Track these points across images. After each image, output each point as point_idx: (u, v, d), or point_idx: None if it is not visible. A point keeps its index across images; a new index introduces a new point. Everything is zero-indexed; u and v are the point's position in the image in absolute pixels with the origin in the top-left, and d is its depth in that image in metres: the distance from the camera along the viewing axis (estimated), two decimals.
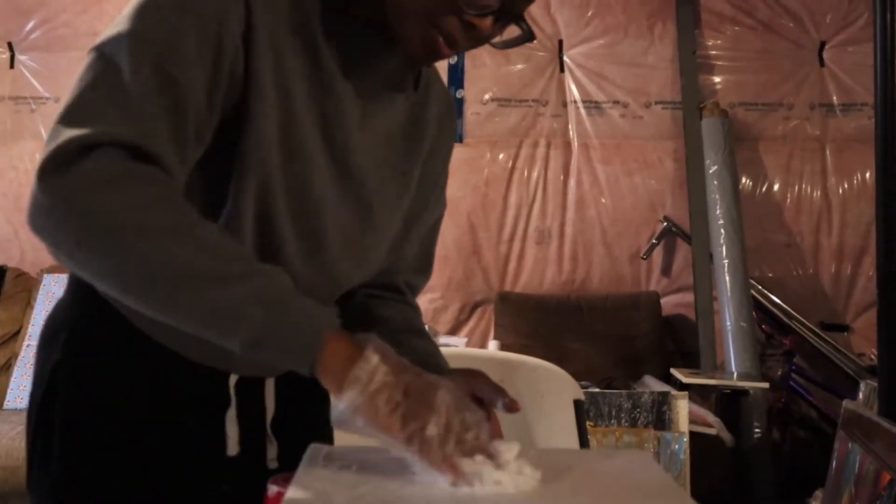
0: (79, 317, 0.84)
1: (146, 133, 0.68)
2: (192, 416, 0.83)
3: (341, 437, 1.01)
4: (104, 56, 0.69)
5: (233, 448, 0.85)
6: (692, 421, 2.51)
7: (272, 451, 0.89)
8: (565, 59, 3.54)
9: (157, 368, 0.82)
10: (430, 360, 0.91)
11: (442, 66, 3.51)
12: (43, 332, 0.88)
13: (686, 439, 2.43)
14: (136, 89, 0.68)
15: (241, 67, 0.74)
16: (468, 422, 0.67)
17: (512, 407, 0.81)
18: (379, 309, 0.96)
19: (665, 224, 3.42)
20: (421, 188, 0.94)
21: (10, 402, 2.76)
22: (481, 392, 0.83)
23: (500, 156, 3.52)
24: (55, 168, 0.65)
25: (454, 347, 3.02)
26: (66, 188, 0.65)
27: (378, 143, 0.86)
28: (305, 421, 0.92)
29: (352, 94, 0.82)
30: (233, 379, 0.85)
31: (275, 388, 0.90)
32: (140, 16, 0.70)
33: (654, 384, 2.88)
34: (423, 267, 1.01)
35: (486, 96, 3.53)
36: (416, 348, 0.92)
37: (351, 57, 0.82)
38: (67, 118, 0.67)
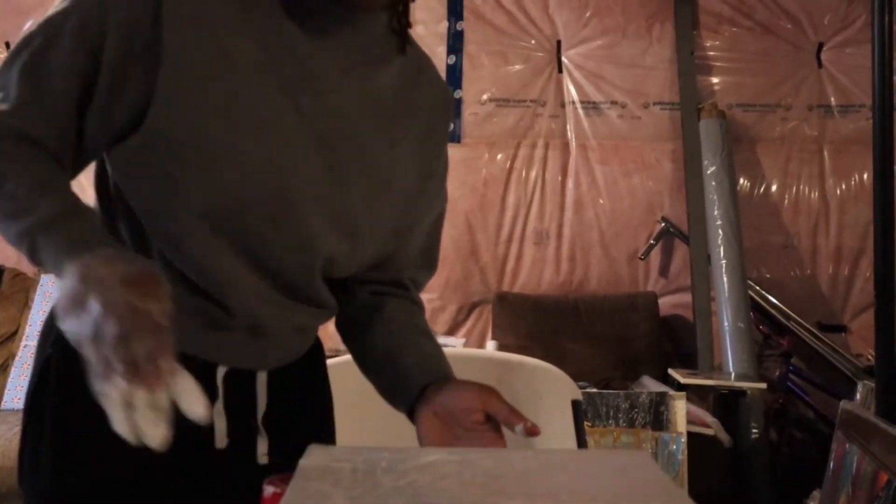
0: None
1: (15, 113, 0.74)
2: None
3: (341, 437, 1.01)
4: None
5: (221, 441, 0.85)
6: (690, 421, 2.51)
7: (263, 446, 0.88)
8: (563, 59, 3.54)
9: None
10: (432, 361, 0.91)
11: (441, 67, 3.52)
12: (42, 328, 0.89)
13: (684, 440, 2.44)
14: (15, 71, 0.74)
15: (145, 47, 0.74)
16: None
17: (533, 431, 0.79)
18: (384, 306, 0.95)
19: (663, 225, 3.43)
20: (421, 176, 0.92)
21: (7, 403, 2.76)
22: (495, 411, 0.81)
23: (499, 156, 3.52)
24: None
25: (452, 348, 3.03)
26: None
27: (360, 110, 0.84)
28: (299, 417, 0.92)
29: (324, 61, 0.81)
30: (221, 371, 0.85)
31: (268, 383, 0.89)
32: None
33: (651, 385, 2.88)
34: (428, 263, 1.00)
35: (485, 97, 3.53)
36: (420, 348, 0.92)
37: (316, 24, 0.80)
38: None
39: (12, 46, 0.76)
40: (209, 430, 0.84)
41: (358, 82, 0.84)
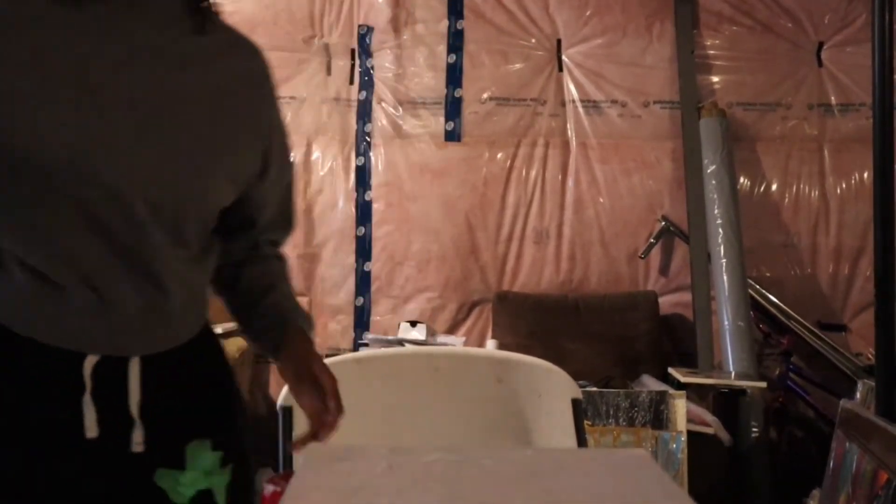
0: None
1: None
2: (46, 399, 0.84)
3: (341, 437, 1.01)
4: None
5: (91, 430, 0.86)
6: (690, 420, 2.51)
7: (138, 435, 0.89)
8: (564, 58, 3.54)
9: (7, 352, 0.84)
10: (279, 312, 1.03)
11: (440, 66, 3.52)
12: None
13: (684, 439, 2.44)
14: None
15: None
16: None
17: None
18: (243, 276, 1.06)
19: (663, 224, 3.43)
20: (255, 148, 0.97)
21: None
22: (323, 382, 0.95)
23: (499, 155, 3.52)
24: None
25: (452, 347, 3.03)
26: None
27: (153, 75, 0.85)
28: (184, 406, 0.93)
29: (102, 58, 0.82)
30: (89, 361, 0.85)
31: (142, 371, 0.89)
32: None
33: (651, 383, 2.88)
34: (284, 224, 1.11)
35: (485, 96, 3.53)
36: (271, 306, 1.04)
37: (94, 13, 0.82)
38: None
39: None
40: (79, 420, 0.85)
41: (147, 77, 0.85)
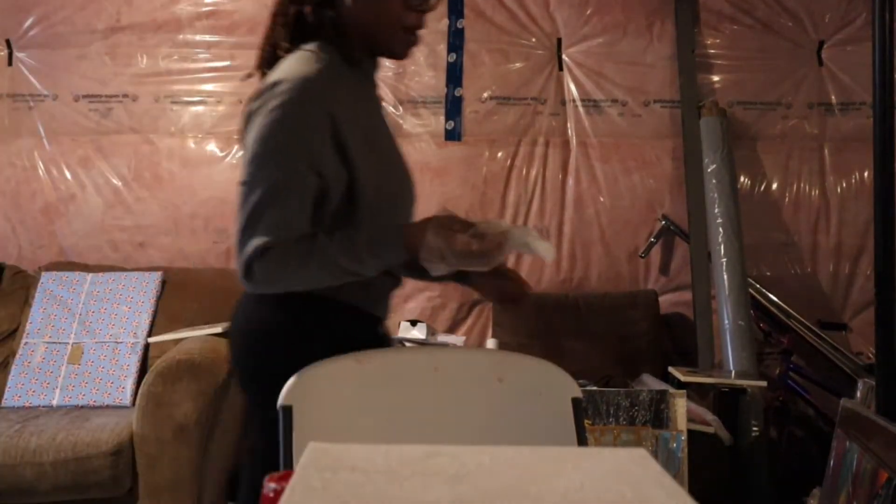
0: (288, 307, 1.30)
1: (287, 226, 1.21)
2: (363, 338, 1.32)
3: (341, 437, 1.01)
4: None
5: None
6: (690, 419, 2.51)
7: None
8: (564, 57, 3.54)
9: (337, 319, 1.31)
10: None
11: (440, 65, 3.52)
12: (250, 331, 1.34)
13: (684, 438, 2.44)
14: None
15: (334, 146, 1.23)
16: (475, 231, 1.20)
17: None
18: None
19: (663, 223, 3.43)
20: None
21: (7, 401, 2.76)
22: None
23: (499, 154, 3.52)
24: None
25: (452, 346, 3.02)
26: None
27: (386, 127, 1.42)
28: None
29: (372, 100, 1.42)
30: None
31: None
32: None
33: (652, 382, 2.88)
34: None
35: (485, 95, 3.53)
36: None
37: (363, 80, 1.40)
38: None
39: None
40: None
41: (376, 104, 1.45)
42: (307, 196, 1.21)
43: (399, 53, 1.36)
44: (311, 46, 1.29)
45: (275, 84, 1.20)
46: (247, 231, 1.18)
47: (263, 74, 1.31)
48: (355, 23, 1.30)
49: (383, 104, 1.46)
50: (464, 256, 1.17)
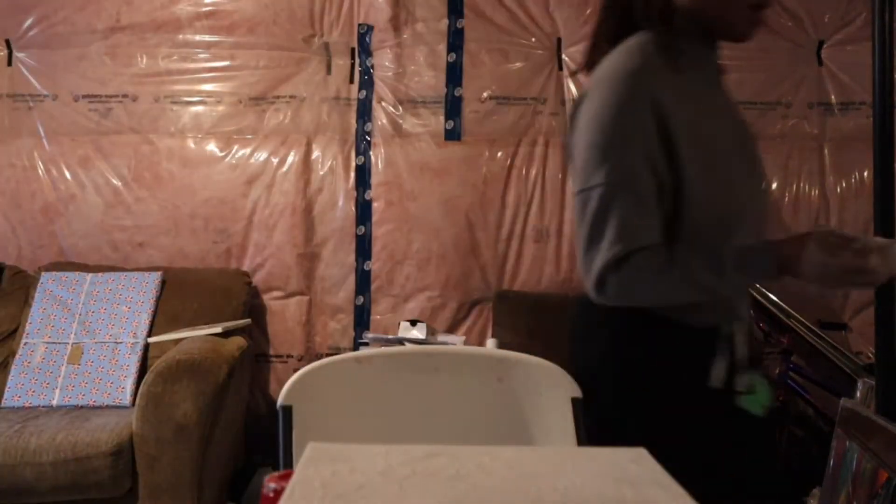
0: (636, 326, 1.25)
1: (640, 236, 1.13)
2: (697, 360, 1.23)
3: (341, 437, 1.01)
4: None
5: (717, 381, 1.23)
6: None
7: (741, 383, 1.26)
8: (564, 57, 3.54)
9: (674, 334, 1.22)
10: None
11: (440, 65, 3.52)
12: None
13: None
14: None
15: (662, 147, 1.14)
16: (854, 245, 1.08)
17: None
18: None
19: None
20: None
21: (7, 401, 2.76)
22: None
23: (499, 154, 3.52)
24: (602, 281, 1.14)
25: (452, 346, 3.02)
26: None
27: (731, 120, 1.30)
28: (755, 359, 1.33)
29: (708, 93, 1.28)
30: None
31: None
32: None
33: None
34: None
35: (485, 94, 3.53)
36: None
37: (696, 67, 1.25)
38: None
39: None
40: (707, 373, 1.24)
41: (722, 95, 1.33)
42: (650, 197, 1.12)
43: (746, 33, 1.23)
44: (635, 39, 1.21)
45: (598, 83, 1.15)
46: (593, 243, 1.12)
47: (589, 71, 1.25)
48: (696, 5, 1.20)
49: (727, 98, 1.32)
50: (852, 273, 1.06)
